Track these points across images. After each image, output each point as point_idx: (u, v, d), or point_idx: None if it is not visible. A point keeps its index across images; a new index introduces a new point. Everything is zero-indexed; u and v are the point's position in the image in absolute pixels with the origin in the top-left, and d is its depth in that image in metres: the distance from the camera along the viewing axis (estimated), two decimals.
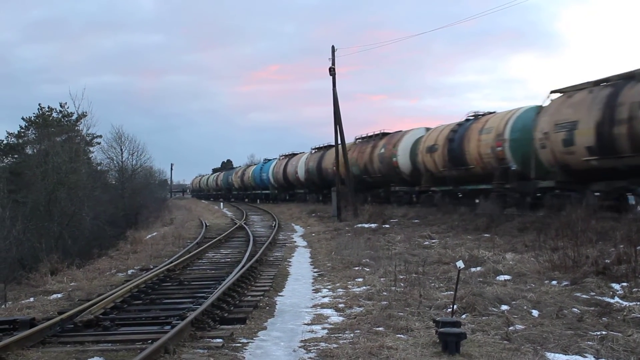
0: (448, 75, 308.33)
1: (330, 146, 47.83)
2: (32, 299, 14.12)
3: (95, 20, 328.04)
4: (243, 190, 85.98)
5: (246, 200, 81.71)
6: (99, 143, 61.73)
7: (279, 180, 65.85)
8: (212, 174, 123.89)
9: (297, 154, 63.87)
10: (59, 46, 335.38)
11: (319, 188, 54.06)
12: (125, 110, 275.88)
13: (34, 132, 57.43)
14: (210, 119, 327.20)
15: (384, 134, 42.45)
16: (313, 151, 57.12)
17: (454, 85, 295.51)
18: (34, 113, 58.19)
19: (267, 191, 72.68)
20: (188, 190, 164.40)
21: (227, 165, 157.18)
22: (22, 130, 58.60)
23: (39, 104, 58.89)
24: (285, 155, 67.33)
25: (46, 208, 38.91)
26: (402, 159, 37.88)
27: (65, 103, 57.29)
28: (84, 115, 52.33)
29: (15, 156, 56.93)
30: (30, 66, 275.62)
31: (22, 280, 19.59)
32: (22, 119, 58.35)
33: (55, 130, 52.24)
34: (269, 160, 74.85)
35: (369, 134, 45.22)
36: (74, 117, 55.72)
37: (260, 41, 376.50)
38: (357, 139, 47.02)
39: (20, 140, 58.03)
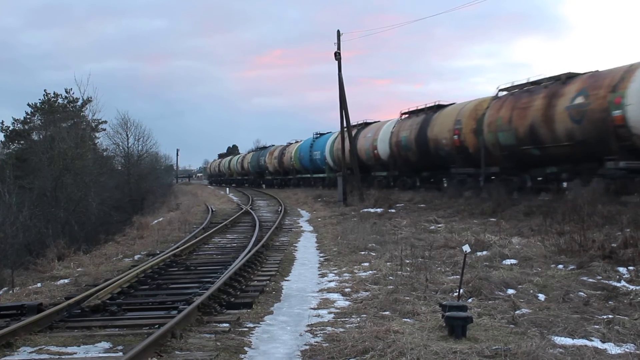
0: (452, 59, 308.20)
1: (438, 106, 35.26)
2: (39, 285, 14.17)
3: (98, 5, 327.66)
4: (282, 174, 69.43)
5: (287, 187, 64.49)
6: (105, 129, 61.86)
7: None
8: (235, 156, 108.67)
9: (370, 123, 47.30)
10: (62, 32, 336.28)
11: (416, 169, 37.90)
12: (130, 95, 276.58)
13: (39, 118, 57.61)
14: (215, 104, 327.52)
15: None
16: (403, 117, 39.88)
17: (459, 69, 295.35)
18: (39, 99, 58.47)
19: (321, 174, 55.12)
20: (194, 176, 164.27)
21: (233, 151, 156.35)
22: (28, 117, 58.81)
23: (45, 90, 59.07)
24: (354, 126, 44.34)
25: (52, 194, 39.01)
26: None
27: (71, 89, 57.43)
28: (89, 100, 52.42)
29: (22, 142, 57.15)
30: (35, 52, 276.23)
31: (30, 266, 19.66)
32: (28, 105, 58.64)
33: (61, 116, 52.32)
34: (322, 134, 58.16)
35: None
36: (79, 103, 55.83)
37: (263, 26, 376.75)
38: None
39: (26, 127, 58.25)
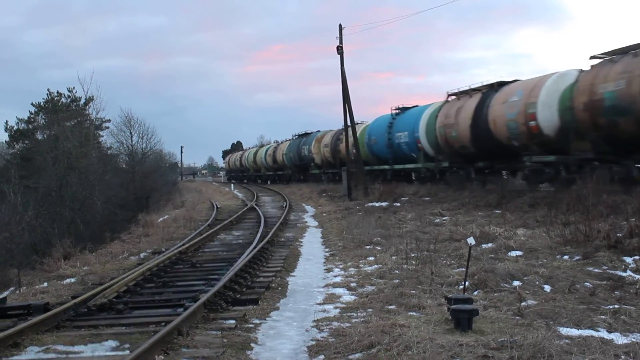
0: (454, 51, 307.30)
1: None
2: (45, 284, 14.21)
3: (97, 2, 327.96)
4: (338, 166, 47.58)
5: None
6: (108, 127, 61.84)
7: (450, 144, 31.07)
8: (263, 147, 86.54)
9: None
10: (63, 30, 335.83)
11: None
12: (132, 93, 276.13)
13: (43, 117, 57.59)
14: (217, 100, 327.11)
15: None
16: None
17: (460, 61, 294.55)
18: (43, 98, 58.42)
19: (409, 165, 38.23)
20: (199, 173, 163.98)
21: (237, 147, 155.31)
22: (31, 116, 58.82)
23: (48, 89, 59.06)
24: (456, 94, 32.08)
25: (58, 193, 39.10)
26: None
27: (74, 87, 57.45)
28: (91, 99, 52.40)
29: (26, 142, 57.18)
30: (36, 51, 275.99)
31: (36, 266, 19.69)
32: (32, 104, 58.60)
33: (64, 115, 52.31)
34: (406, 108, 40.16)
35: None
36: (82, 102, 55.86)
37: (263, 20, 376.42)
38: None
39: (30, 126, 58.26)
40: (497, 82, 28.35)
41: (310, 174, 58.98)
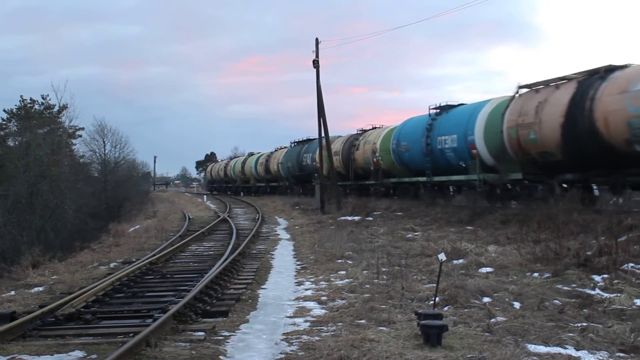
0: (429, 68, 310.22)
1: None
2: (13, 292, 14.00)
3: (71, 10, 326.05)
4: (352, 178, 41.44)
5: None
6: (81, 136, 61.45)
7: (525, 150, 23.94)
8: (252, 155, 75.74)
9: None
10: (37, 37, 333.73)
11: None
12: (106, 102, 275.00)
13: (15, 124, 57.11)
14: (192, 111, 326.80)
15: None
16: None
17: (435, 77, 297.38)
18: (15, 105, 57.93)
19: (455, 177, 29.76)
20: (172, 183, 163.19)
21: (211, 158, 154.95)
22: (3, 122, 58.38)
23: (21, 96, 58.68)
24: (530, 86, 24.95)
25: (28, 201, 38.65)
26: None
27: (47, 95, 57.05)
28: (65, 107, 52.05)
29: None
30: (9, 57, 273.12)
31: (3, 274, 19.42)
32: (4, 110, 58.17)
33: (37, 123, 51.94)
34: (451, 106, 31.49)
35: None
36: (55, 109, 55.46)
37: (239, 32, 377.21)
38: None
39: (2, 133, 57.73)
40: (605, 67, 21.05)
41: (312, 186, 45.45)
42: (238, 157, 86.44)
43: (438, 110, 31.43)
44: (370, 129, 41.67)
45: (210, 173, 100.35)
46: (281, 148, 63.75)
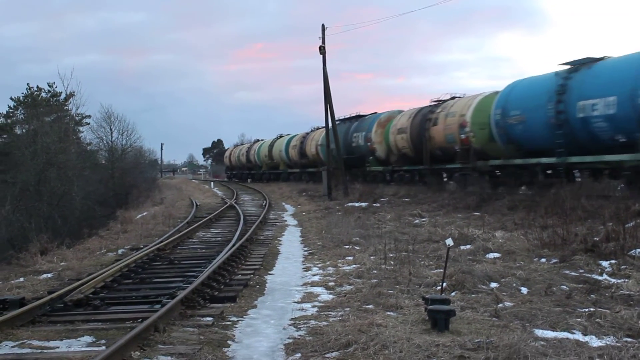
0: (435, 54, 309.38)
1: None
2: (22, 279, 14.09)
3: None
4: (421, 161, 33.16)
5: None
6: (88, 123, 61.55)
7: None
8: (282, 137, 65.93)
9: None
10: (41, 24, 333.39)
11: None
12: (111, 89, 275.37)
13: (22, 112, 57.22)
14: (198, 98, 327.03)
15: None
16: None
17: (441, 63, 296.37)
18: (22, 93, 58.04)
19: (619, 156, 20.43)
20: (179, 170, 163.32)
21: (218, 145, 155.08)
22: (10, 110, 58.47)
23: (28, 84, 58.83)
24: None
25: (36, 188, 38.80)
26: None
27: (54, 83, 57.11)
28: (72, 94, 52.13)
29: (4, 136, 56.77)
30: (14, 45, 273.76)
31: (12, 261, 19.52)
32: (11, 98, 58.27)
33: (44, 110, 52.03)
34: (584, 63, 22.84)
35: None
36: (62, 97, 55.56)
37: (243, 19, 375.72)
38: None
39: (9, 121, 57.88)
40: None
41: (366, 172, 41.34)
42: (262, 140, 75.83)
43: (571, 67, 23.25)
44: (449, 99, 32.71)
45: (228, 159, 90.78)
46: (318, 128, 53.94)
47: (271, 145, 66.86)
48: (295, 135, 60.72)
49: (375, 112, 42.90)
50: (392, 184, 35.97)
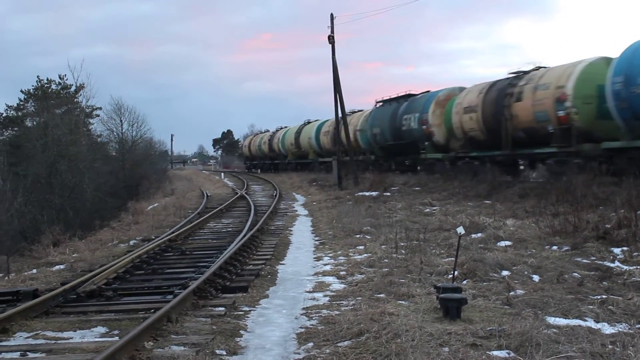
0: (443, 42, 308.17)
1: None
2: (35, 271, 14.18)
3: None
4: (499, 146, 26.78)
5: None
6: (99, 115, 61.72)
7: None
8: (310, 124, 59.65)
9: None
10: (49, 17, 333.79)
11: None
12: (120, 81, 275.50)
13: (33, 104, 57.41)
14: (206, 89, 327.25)
15: None
16: None
17: (449, 51, 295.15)
18: (32, 85, 58.24)
19: None
20: (189, 161, 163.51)
21: (228, 136, 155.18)
22: (21, 103, 58.67)
23: (37, 76, 59.10)
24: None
25: (47, 180, 39.00)
26: None
27: (64, 75, 57.26)
28: (82, 86, 52.27)
29: (15, 129, 57.01)
30: (23, 38, 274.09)
31: (25, 252, 19.67)
32: (21, 91, 58.49)
33: (54, 103, 52.18)
34: None
35: None
36: (72, 89, 55.68)
37: (251, 9, 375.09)
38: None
39: (20, 113, 58.09)
40: None
41: (419, 160, 36.26)
42: (286, 127, 68.85)
43: None
44: (533, 69, 26.37)
45: (248, 148, 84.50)
46: (355, 112, 48.99)
47: (298, 133, 60.61)
48: (327, 120, 53.04)
49: (428, 91, 37.14)
50: (453, 179, 28.76)
